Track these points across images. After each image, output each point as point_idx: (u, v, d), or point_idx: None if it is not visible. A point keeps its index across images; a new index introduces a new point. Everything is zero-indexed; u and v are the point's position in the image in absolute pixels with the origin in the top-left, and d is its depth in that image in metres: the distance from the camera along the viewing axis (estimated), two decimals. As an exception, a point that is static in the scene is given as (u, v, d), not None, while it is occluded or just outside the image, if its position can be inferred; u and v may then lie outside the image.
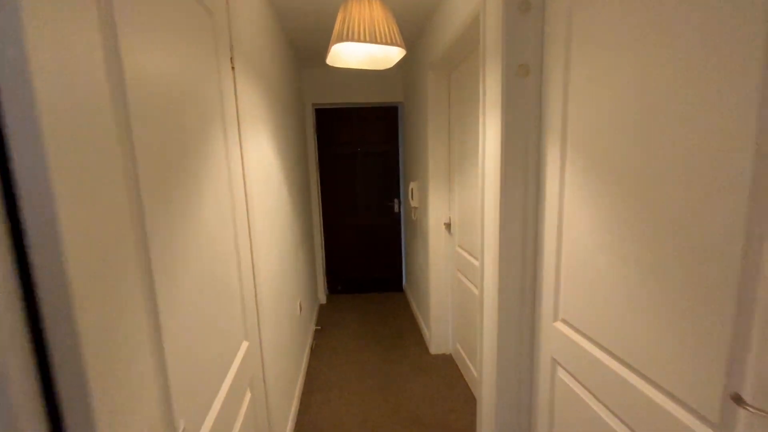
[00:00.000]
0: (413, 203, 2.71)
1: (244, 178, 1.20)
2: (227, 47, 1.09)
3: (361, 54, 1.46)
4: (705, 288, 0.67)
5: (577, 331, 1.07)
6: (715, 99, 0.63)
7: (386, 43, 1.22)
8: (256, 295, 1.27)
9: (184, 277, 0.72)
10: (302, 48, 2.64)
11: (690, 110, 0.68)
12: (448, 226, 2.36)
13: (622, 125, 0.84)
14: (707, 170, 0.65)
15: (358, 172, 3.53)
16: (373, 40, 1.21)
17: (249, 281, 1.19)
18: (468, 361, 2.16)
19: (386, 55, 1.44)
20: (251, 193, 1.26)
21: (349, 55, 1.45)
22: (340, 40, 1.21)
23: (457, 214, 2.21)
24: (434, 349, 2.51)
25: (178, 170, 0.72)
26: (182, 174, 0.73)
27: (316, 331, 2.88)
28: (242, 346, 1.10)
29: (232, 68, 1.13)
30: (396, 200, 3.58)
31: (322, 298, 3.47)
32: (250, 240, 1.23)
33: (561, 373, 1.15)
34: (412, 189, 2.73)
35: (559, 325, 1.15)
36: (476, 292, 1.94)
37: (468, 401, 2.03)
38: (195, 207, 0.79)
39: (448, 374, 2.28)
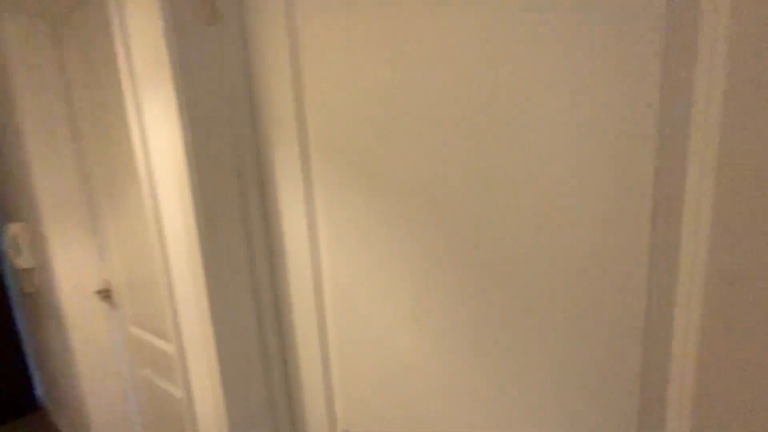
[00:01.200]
0: (22, 263, 1.46)
1: None
2: None
3: None
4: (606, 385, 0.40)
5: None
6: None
7: None
8: None
9: None
10: None
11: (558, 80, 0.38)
12: (106, 294, 1.38)
13: (428, 105, 0.47)
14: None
15: None
16: None
17: None
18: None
19: None
20: None
21: None
22: None
23: (122, 272, 1.31)
24: (117, 502, 1.46)
25: None
26: None
27: None
28: None
29: None
30: (-12, 257, 1.95)
31: None
32: None
33: None
34: (14, 237, 1.47)
35: (340, 444, 0.70)
36: (178, 395, 1.18)
37: None
38: None
39: None
